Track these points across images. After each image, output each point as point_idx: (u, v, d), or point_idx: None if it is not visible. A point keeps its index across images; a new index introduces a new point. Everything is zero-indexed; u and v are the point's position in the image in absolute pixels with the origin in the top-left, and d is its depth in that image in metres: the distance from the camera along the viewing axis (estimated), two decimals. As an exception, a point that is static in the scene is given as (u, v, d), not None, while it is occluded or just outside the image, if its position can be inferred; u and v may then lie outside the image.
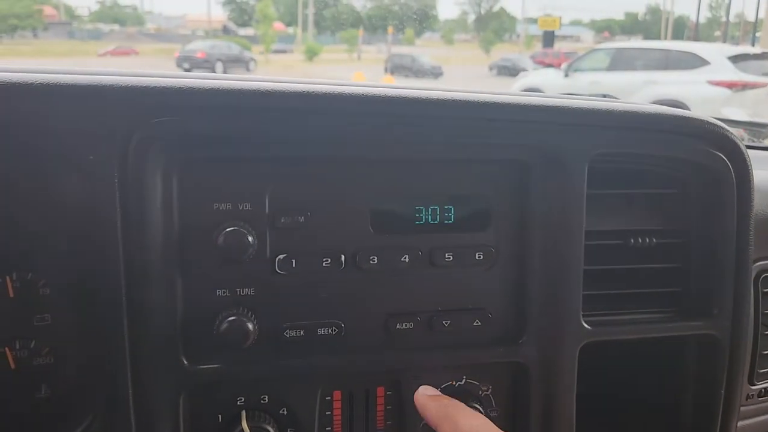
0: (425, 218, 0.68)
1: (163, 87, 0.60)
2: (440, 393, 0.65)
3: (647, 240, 0.75)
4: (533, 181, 0.69)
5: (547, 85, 9.71)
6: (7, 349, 0.62)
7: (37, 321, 0.62)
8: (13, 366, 0.62)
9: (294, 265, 0.65)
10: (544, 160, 0.68)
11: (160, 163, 0.60)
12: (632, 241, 0.75)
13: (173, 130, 0.60)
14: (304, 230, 0.65)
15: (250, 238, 0.61)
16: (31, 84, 0.57)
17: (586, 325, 0.71)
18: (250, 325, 0.62)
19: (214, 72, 21.15)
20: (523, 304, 0.71)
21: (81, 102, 0.58)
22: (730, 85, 7.80)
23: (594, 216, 0.71)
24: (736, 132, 0.72)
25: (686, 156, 0.72)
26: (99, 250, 0.59)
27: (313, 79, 0.70)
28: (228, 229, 0.61)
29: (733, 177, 0.72)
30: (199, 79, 0.63)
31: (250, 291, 0.65)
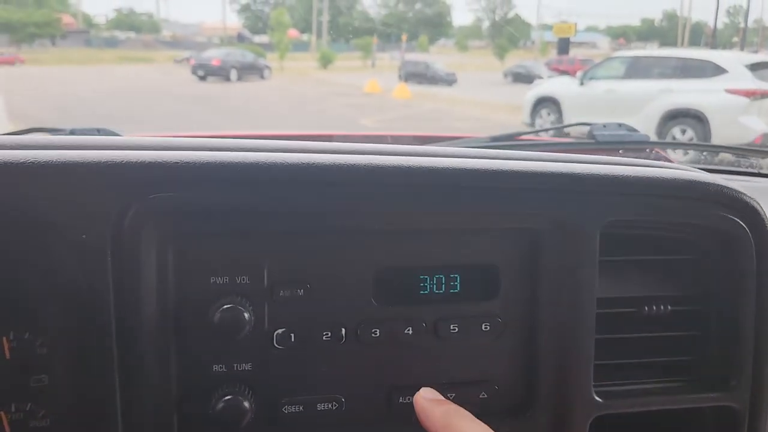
0: (430, 288, 0.66)
1: (159, 162, 0.58)
2: (442, 397, 0.59)
3: (662, 307, 0.72)
4: (543, 248, 0.66)
5: (562, 93, 9.70)
6: (2, 413, 0.61)
7: (34, 382, 0.61)
8: (8, 431, 0.61)
9: (293, 340, 0.63)
10: (555, 227, 0.66)
11: (155, 238, 0.59)
12: (646, 308, 0.72)
13: (169, 204, 0.58)
14: (303, 303, 0.63)
15: (246, 315, 0.60)
16: (23, 163, 0.56)
17: (597, 397, 0.68)
18: (246, 404, 0.60)
19: (229, 79, 21.40)
20: (531, 376, 0.68)
21: (73, 180, 0.57)
22: (749, 94, 7.74)
23: (606, 283, 0.69)
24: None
25: (703, 222, 0.69)
26: (92, 321, 0.58)
27: (315, 144, 0.68)
28: (225, 306, 0.59)
29: (752, 243, 0.69)
30: (195, 150, 0.61)
31: (247, 366, 0.63)
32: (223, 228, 0.61)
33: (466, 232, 0.66)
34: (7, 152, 0.57)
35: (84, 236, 0.57)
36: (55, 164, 0.57)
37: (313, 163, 0.61)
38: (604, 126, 1.49)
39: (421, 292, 0.66)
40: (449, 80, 23.22)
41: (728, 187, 0.69)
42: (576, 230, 0.66)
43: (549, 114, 9.93)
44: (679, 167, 0.73)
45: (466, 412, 0.56)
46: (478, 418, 0.67)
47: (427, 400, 0.58)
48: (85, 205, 0.57)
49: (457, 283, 0.66)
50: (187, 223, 0.59)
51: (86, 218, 0.57)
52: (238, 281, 0.62)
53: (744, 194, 0.69)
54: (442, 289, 0.66)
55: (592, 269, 0.66)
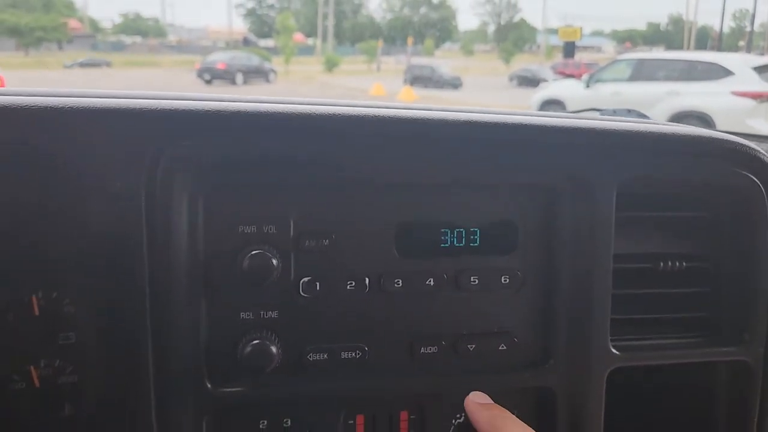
0: (451, 241, 0.67)
1: (191, 109, 0.60)
2: (491, 400, 0.64)
3: (677, 264, 0.73)
4: (561, 204, 0.68)
5: (568, 96, 9.67)
6: (32, 367, 0.62)
7: (62, 339, 0.62)
8: (37, 385, 0.62)
9: (318, 288, 0.65)
10: (572, 183, 0.67)
11: (187, 187, 0.60)
12: (661, 264, 0.73)
13: (200, 153, 0.60)
14: (328, 253, 0.65)
15: (274, 262, 0.61)
16: (60, 108, 0.58)
17: (614, 350, 0.69)
18: (273, 349, 0.62)
19: (235, 83, 21.48)
20: (549, 329, 0.69)
21: (109, 125, 0.58)
22: (755, 96, 7.70)
23: (622, 239, 0.70)
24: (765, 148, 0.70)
25: (716, 178, 0.70)
26: (124, 272, 0.59)
27: (338, 100, 0.70)
28: (253, 252, 0.61)
29: (765, 198, 0.70)
30: (226, 102, 0.63)
31: (273, 314, 0.64)
32: (251, 178, 0.62)
33: (486, 188, 0.68)
34: (40, 98, 0.58)
35: (118, 183, 0.58)
36: (89, 110, 0.58)
37: (341, 114, 0.62)
38: (614, 112, 1.50)
39: (442, 245, 0.67)
40: (454, 84, 23.22)
41: (745, 145, 0.70)
42: (593, 186, 0.67)
43: (555, 116, 9.89)
44: (695, 127, 0.74)
45: (511, 415, 0.60)
46: (498, 369, 0.69)
47: (475, 403, 0.62)
48: (119, 150, 0.58)
49: (477, 237, 0.68)
50: (217, 173, 0.61)
51: (120, 164, 0.58)
52: (266, 230, 0.63)
53: (760, 152, 0.70)
54: (462, 243, 0.67)
55: (608, 225, 0.68)
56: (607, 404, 0.70)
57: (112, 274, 0.60)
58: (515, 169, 0.67)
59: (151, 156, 0.59)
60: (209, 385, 0.63)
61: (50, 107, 0.58)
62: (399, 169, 0.65)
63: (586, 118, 0.71)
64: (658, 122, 0.76)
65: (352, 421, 0.68)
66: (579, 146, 0.67)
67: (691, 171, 0.70)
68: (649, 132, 0.69)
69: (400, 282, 0.66)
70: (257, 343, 0.62)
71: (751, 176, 0.70)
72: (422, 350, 0.67)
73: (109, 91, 0.65)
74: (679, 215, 0.75)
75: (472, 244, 0.68)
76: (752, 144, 0.70)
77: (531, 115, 0.69)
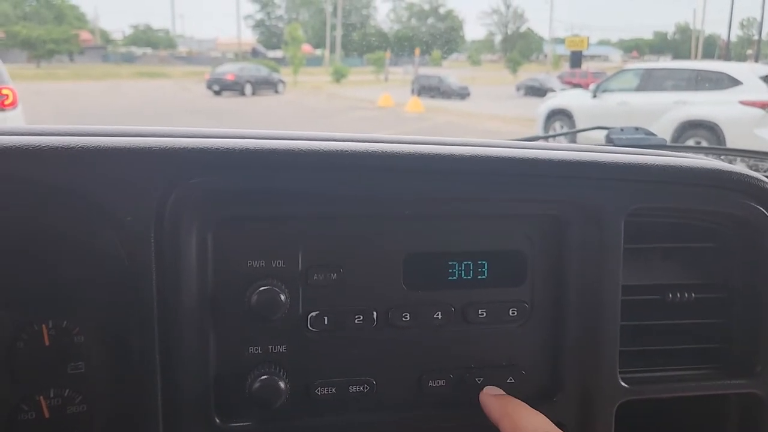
0: (458, 273, 0.67)
1: (200, 148, 0.61)
2: (504, 393, 0.66)
3: (686, 295, 0.73)
4: (569, 236, 0.68)
5: (575, 106, 9.66)
6: (41, 397, 0.62)
7: (71, 369, 0.62)
8: (47, 415, 0.62)
9: (326, 323, 0.65)
10: (581, 215, 0.67)
11: (196, 222, 0.61)
12: (670, 296, 0.73)
13: (209, 189, 0.60)
14: (336, 287, 0.65)
15: (282, 297, 0.61)
16: (73, 148, 0.59)
17: (623, 383, 0.69)
18: (282, 384, 0.62)
19: (244, 94, 21.58)
20: (557, 362, 0.69)
21: (120, 165, 0.59)
22: (764, 105, 7.66)
23: (630, 270, 0.70)
24: None
25: (725, 209, 0.70)
26: (133, 304, 0.60)
27: (345, 134, 0.70)
28: (261, 288, 0.61)
29: None
30: (234, 138, 0.63)
31: (282, 348, 0.65)
32: (260, 213, 0.63)
33: (494, 220, 0.68)
34: (57, 138, 0.59)
35: (129, 218, 0.59)
36: (103, 149, 0.59)
37: (348, 150, 0.63)
38: (622, 130, 1.50)
39: (450, 278, 0.67)
40: (462, 94, 23.22)
41: (751, 176, 0.70)
42: (601, 217, 0.67)
43: (562, 126, 9.87)
44: (701, 158, 0.74)
45: (523, 404, 0.62)
46: None
47: (488, 395, 0.65)
48: (130, 187, 0.59)
49: (485, 269, 0.68)
50: (226, 208, 0.62)
51: (131, 201, 0.59)
52: (274, 265, 0.64)
53: (765, 181, 0.70)
54: (470, 275, 0.68)
55: (616, 256, 0.68)
56: None
57: (121, 306, 0.60)
58: (523, 202, 0.67)
59: (161, 192, 0.59)
60: (218, 420, 0.63)
61: (62, 147, 0.59)
62: (406, 202, 0.65)
63: (593, 151, 0.71)
64: (666, 152, 0.76)
65: None
66: (587, 179, 0.67)
67: (699, 202, 0.70)
68: (656, 164, 0.69)
69: (408, 316, 0.66)
70: (266, 378, 0.62)
71: (759, 207, 0.70)
72: (430, 384, 0.67)
73: (120, 127, 0.66)
74: (688, 246, 0.75)
75: (480, 277, 0.68)
76: (760, 176, 0.70)
77: (539, 148, 0.69)
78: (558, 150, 0.69)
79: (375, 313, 0.66)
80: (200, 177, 0.60)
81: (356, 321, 0.65)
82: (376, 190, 0.64)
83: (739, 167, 0.71)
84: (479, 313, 0.68)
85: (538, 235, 0.69)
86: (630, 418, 0.71)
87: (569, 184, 0.67)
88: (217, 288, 0.63)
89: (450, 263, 0.67)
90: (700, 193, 0.70)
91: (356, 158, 0.63)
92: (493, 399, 0.64)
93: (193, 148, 0.60)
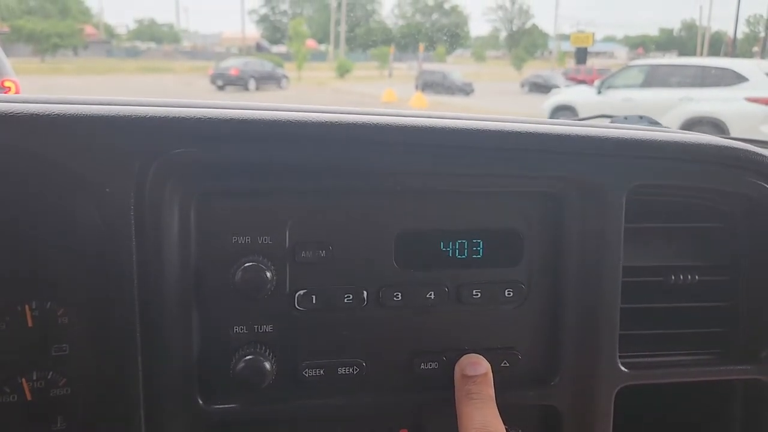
0: (452, 253, 0.65)
1: (182, 117, 0.58)
2: (485, 364, 0.64)
3: (689, 277, 0.71)
4: (568, 213, 0.66)
5: (580, 102, 9.64)
6: (23, 380, 0.61)
7: (55, 351, 0.61)
8: (29, 398, 0.61)
9: (314, 302, 0.63)
10: (580, 192, 0.65)
11: (178, 195, 0.59)
12: (673, 278, 0.71)
13: (192, 160, 0.58)
14: (325, 265, 0.63)
15: (268, 274, 0.59)
16: (49, 115, 0.56)
17: (623, 368, 0.67)
18: (267, 365, 0.60)
19: (248, 89, 21.61)
20: (555, 345, 0.67)
21: (99, 133, 0.57)
22: (769, 102, 7.63)
23: (632, 251, 0.68)
24: None
25: (731, 188, 0.68)
26: (114, 282, 0.58)
27: (338, 107, 0.68)
28: (246, 265, 0.59)
29: None
30: (219, 108, 0.61)
31: (268, 328, 0.63)
32: (245, 186, 0.61)
33: (490, 197, 0.66)
34: (34, 105, 0.57)
35: (108, 189, 0.57)
36: (80, 117, 0.57)
37: (336, 121, 0.61)
38: (625, 118, 1.48)
39: (443, 257, 0.65)
40: (466, 90, 23.19)
41: (759, 153, 0.67)
42: (601, 195, 0.65)
43: (567, 122, 9.87)
44: (706, 135, 0.72)
45: (484, 402, 0.60)
46: (500, 387, 0.67)
47: (461, 374, 0.63)
48: (109, 157, 0.57)
49: (480, 249, 0.66)
50: (209, 181, 0.59)
51: (110, 170, 0.57)
52: (260, 241, 0.61)
53: None
54: (464, 254, 0.65)
55: (617, 236, 0.65)
56: (616, 423, 0.67)
57: (102, 283, 0.58)
58: (521, 177, 0.65)
59: (141, 163, 0.57)
60: (201, 402, 0.61)
61: (39, 114, 0.57)
62: (399, 177, 0.63)
63: (594, 126, 0.69)
64: (669, 129, 0.73)
65: None
66: (587, 154, 0.65)
67: (702, 179, 0.68)
68: (658, 139, 0.66)
69: (400, 295, 0.64)
70: (251, 358, 0.60)
71: (765, 184, 0.67)
72: (422, 366, 0.65)
73: (105, 97, 0.64)
74: (692, 226, 0.72)
75: (474, 256, 0.66)
76: (764, 151, 0.68)
77: (538, 123, 0.67)
78: (557, 125, 0.67)
79: (365, 292, 0.64)
80: (182, 147, 0.58)
81: (346, 300, 0.63)
82: (365, 162, 0.62)
83: (748, 145, 0.69)
84: (474, 293, 0.65)
85: (536, 213, 0.66)
86: (630, 404, 0.68)
87: (568, 160, 0.64)
88: (201, 264, 0.61)
89: (444, 241, 0.65)
90: (707, 170, 0.67)
91: (345, 130, 0.61)
92: (461, 380, 0.63)
93: (174, 118, 0.58)
